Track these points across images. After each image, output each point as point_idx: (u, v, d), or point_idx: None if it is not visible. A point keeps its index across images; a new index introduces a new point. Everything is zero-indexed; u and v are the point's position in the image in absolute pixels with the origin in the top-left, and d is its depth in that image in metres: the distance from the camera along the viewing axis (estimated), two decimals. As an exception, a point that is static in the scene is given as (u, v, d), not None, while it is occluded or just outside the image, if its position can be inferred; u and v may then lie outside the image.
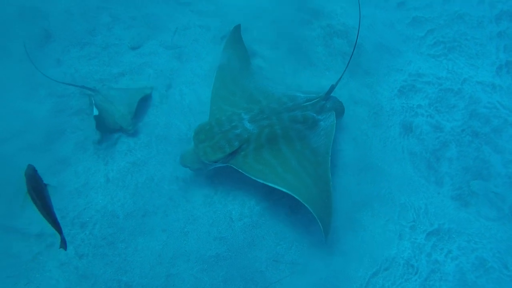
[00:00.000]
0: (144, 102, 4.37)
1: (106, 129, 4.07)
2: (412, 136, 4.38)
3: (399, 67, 4.87)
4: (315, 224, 3.74)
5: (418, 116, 4.50)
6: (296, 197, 3.38)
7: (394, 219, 3.91)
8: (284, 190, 3.42)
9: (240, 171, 3.57)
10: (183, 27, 5.02)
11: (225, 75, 4.24)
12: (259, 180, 3.49)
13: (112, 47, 4.78)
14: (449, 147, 4.32)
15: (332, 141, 3.74)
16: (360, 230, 3.82)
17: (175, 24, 5.06)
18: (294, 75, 4.67)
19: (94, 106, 4.06)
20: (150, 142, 4.16)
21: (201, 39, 4.93)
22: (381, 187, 4.05)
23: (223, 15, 5.04)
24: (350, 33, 4.98)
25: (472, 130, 4.42)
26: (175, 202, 3.81)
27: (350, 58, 4.15)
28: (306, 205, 3.36)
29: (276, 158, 3.61)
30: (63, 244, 2.77)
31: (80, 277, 3.40)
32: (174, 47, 4.87)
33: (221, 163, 3.65)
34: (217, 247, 3.62)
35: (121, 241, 3.58)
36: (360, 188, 4.02)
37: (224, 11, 5.07)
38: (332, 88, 4.00)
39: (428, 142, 4.34)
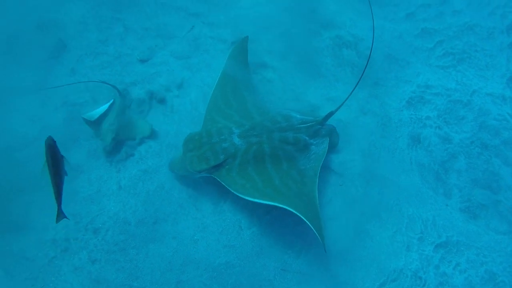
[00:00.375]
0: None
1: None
2: (421, 148, 4.50)
3: (407, 79, 5.01)
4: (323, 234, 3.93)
5: (426, 128, 4.62)
6: (275, 204, 3.49)
7: (402, 230, 4.02)
8: (262, 201, 3.53)
9: (223, 183, 3.73)
10: (194, 38, 5.23)
11: (226, 85, 4.38)
12: (238, 194, 3.62)
13: (124, 56, 5.02)
14: (458, 159, 4.44)
15: (321, 165, 3.86)
16: (367, 241, 3.94)
17: (186, 35, 5.26)
18: (303, 86, 4.83)
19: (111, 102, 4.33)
20: (161, 150, 4.36)
21: (212, 50, 5.14)
22: (389, 198, 4.18)
23: (234, 26, 5.24)
24: (359, 44, 5.16)
25: (481, 142, 4.53)
26: (185, 210, 4.01)
27: (361, 76, 4.21)
28: (288, 208, 3.45)
29: (259, 175, 3.73)
30: (59, 217, 3.03)
31: (93, 281, 3.61)
32: (184, 57, 5.08)
33: (205, 174, 3.84)
34: (226, 255, 3.79)
35: (133, 248, 3.79)
36: (368, 198, 4.15)
37: (234, 23, 5.27)
38: (331, 114, 4.11)
39: (436, 153, 4.45)
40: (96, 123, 4.34)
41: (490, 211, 4.19)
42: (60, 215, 3.04)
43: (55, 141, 2.92)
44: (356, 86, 4.19)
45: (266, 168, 3.78)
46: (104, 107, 4.40)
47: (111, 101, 4.45)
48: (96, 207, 3.97)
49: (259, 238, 3.90)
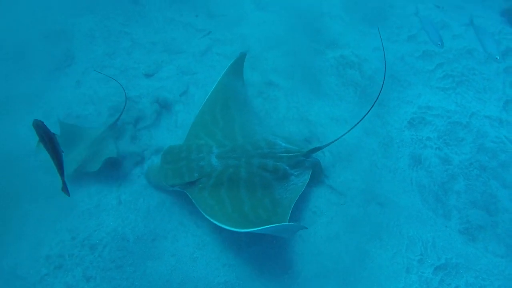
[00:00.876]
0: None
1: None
2: (421, 168, 4.20)
3: (409, 99, 4.74)
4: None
5: (427, 148, 4.33)
6: (237, 230, 3.08)
7: (402, 252, 3.70)
8: (226, 227, 3.12)
9: (193, 201, 3.38)
10: (200, 53, 4.94)
11: (216, 101, 4.00)
12: (205, 215, 3.26)
13: (130, 70, 4.69)
14: (457, 180, 4.13)
15: (297, 198, 3.47)
16: (368, 262, 3.61)
17: (193, 50, 4.98)
18: (308, 105, 4.52)
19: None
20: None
21: (218, 66, 4.82)
22: (390, 218, 3.85)
23: (240, 43, 4.98)
24: (362, 64, 4.89)
25: (480, 164, 4.23)
26: (185, 227, 3.63)
27: (374, 103, 3.90)
28: (250, 230, 3.03)
29: (231, 199, 3.35)
30: (65, 189, 2.92)
31: (87, 301, 3.20)
32: (191, 72, 4.77)
33: (178, 188, 3.50)
34: (225, 274, 3.42)
35: (130, 265, 3.39)
36: (369, 218, 3.82)
37: (241, 40, 5.02)
38: (317, 149, 3.74)
39: (436, 174, 4.15)
40: (67, 129, 3.81)
41: (489, 233, 3.87)
42: (65, 188, 2.94)
43: (43, 121, 2.85)
44: (361, 119, 3.82)
45: (239, 192, 3.39)
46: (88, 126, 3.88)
47: (95, 127, 3.90)
48: (94, 222, 3.57)
49: (259, 257, 3.53)
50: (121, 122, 4.15)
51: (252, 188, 3.43)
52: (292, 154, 3.63)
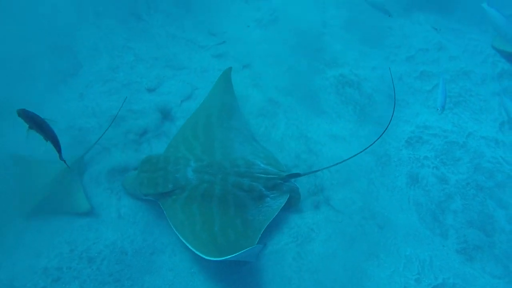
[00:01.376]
0: None
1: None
2: (418, 187, 4.28)
3: (407, 118, 4.87)
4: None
5: (424, 168, 4.43)
6: (200, 254, 3.08)
7: (399, 271, 3.72)
8: (190, 247, 3.15)
9: (165, 212, 3.43)
10: (202, 70, 5.06)
11: (200, 116, 4.08)
12: (174, 229, 3.30)
13: (133, 84, 4.79)
14: (454, 199, 4.21)
15: (269, 221, 3.48)
16: (365, 280, 3.63)
17: (194, 66, 5.11)
18: (307, 122, 4.63)
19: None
20: (163, 178, 4.05)
21: (219, 82, 4.96)
22: (387, 237, 3.90)
23: (242, 60, 5.11)
24: (361, 83, 5.03)
25: (476, 183, 4.32)
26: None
27: (389, 123, 4.04)
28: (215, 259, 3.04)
29: (202, 215, 3.36)
30: (62, 159, 3.23)
31: (83, 315, 3.23)
32: (192, 87, 4.88)
33: (152, 198, 3.57)
34: (223, 290, 3.45)
35: (128, 279, 3.42)
36: (366, 237, 3.87)
37: (242, 57, 5.15)
38: (297, 175, 3.78)
39: (433, 193, 4.23)
40: (23, 163, 3.66)
41: (486, 253, 3.93)
42: (61, 158, 3.22)
43: (26, 108, 2.98)
44: (367, 148, 3.97)
45: (211, 210, 3.41)
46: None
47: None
48: (93, 235, 3.60)
49: (257, 273, 3.56)
50: (123, 133, 4.24)
51: (225, 206, 3.45)
52: (270, 176, 3.65)
